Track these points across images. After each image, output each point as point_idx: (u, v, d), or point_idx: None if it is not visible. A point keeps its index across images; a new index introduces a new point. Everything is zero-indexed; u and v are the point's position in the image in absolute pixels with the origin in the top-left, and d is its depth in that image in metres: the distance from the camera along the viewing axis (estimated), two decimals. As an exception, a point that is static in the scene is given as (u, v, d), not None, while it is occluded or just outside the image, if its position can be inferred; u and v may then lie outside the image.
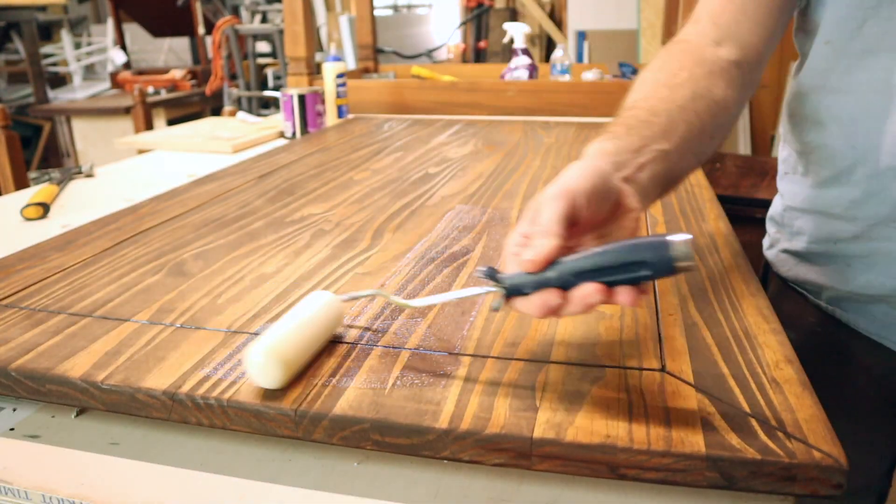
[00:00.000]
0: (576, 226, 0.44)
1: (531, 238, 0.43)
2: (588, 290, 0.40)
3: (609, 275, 0.41)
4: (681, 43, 0.64)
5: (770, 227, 0.81)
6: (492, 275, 0.44)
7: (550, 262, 0.42)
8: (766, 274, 0.82)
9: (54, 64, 4.43)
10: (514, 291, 0.43)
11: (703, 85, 0.58)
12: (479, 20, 3.97)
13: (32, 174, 1.22)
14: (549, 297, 0.42)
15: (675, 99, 0.56)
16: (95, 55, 4.51)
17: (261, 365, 0.43)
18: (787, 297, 0.76)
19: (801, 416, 0.41)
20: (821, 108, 0.66)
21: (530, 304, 0.43)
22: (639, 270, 0.40)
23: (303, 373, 0.47)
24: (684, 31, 0.66)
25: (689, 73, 0.59)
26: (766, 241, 0.82)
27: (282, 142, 1.49)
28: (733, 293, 0.59)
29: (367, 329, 0.54)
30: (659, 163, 0.51)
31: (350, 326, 0.54)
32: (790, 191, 0.74)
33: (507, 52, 2.05)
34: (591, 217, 0.45)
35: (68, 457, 0.46)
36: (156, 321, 0.56)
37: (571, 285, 0.41)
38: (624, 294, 0.41)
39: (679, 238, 0.39)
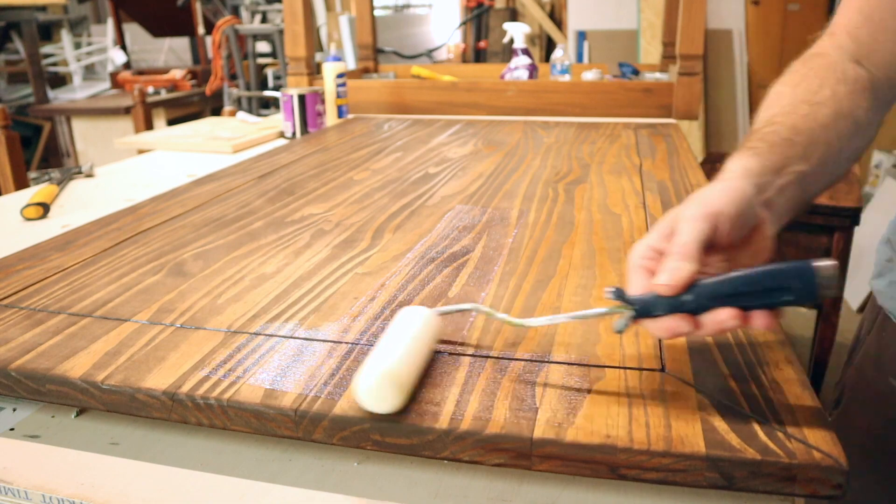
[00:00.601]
0: (711, 249, 0.43)
1: (667, 258, 0.42)
2: (723, 316, 0.40)
3: (747, 300, 0.40)
4: (819, 57, 0.60)
5: (883, 252, 0.73)
6: (621, 296, 0.43)
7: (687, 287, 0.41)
8: (869, 307, 0.74)
9: (54, 64, 4.43)
10: (643, 314, 0.43)
11: (846, 105, 0.55)
12: (479, 20, 3.97)
13: (32, 174, 1.22)
14: (680, 323, 0.41)
15: (816, 117, 0.53)
16: (95, 55, 4.51)
17: (374, 389, 0.41)
18: None
19: (801, 417, 0.41)
20: None
21: (658, 326, 0.42)
22: (780, 296, 0.40)
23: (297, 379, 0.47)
24: (820, 44, 0.62)
25: (832, 91, 0.56)
26: (875, 269, 0.74)
27: (282, 142, 1.49)
28: (733, 293, 0.59)
29: (367, 329, 0.54)
30: (796, 185, 0.49)
31: (350, 327, 0.54)
32: None
33: (507, 52, 2.05)
34: (727, 241, 0.44)
35: (68, 457, 0.46)
36: (156, 321, 0.56)
37: (705, 309, 0.41)
38: (760, 319, 0.40)
39: (825, 264, 0.39)
